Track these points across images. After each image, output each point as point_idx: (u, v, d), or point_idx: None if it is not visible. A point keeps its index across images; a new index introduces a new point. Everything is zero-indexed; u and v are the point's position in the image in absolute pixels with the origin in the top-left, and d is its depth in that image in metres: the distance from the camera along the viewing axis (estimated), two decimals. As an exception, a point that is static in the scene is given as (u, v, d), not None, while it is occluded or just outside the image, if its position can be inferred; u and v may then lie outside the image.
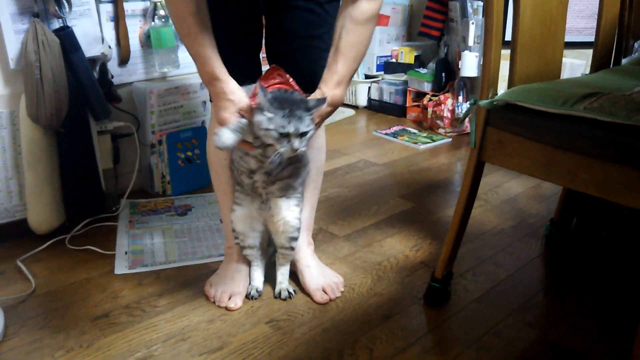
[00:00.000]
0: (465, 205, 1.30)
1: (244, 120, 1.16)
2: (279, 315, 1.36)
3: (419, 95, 3.13)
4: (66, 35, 1.65)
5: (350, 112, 3.32)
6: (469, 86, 2.88)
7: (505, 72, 1.25)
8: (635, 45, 1.59)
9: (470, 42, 2.79)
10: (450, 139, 2.81)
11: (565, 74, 2.60)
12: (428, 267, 1.58)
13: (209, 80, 1.17)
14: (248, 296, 1.43)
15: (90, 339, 1.27)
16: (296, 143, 1.12)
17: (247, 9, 1.28)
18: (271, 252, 1.47)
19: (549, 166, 1.13)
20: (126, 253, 1.64)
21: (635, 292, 1.47)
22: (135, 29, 1.95)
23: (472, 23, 2.77)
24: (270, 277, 1.48)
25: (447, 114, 2.86)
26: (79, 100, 1.70)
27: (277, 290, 1.44)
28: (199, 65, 1.18)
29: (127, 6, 1.90)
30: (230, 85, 1.16)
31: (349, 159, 2.52)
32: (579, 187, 1.09)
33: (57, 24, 1.69)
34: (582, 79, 1.33)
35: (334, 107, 1.21)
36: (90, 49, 1.78)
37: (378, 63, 3.34)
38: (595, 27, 1.47)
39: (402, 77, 3.23)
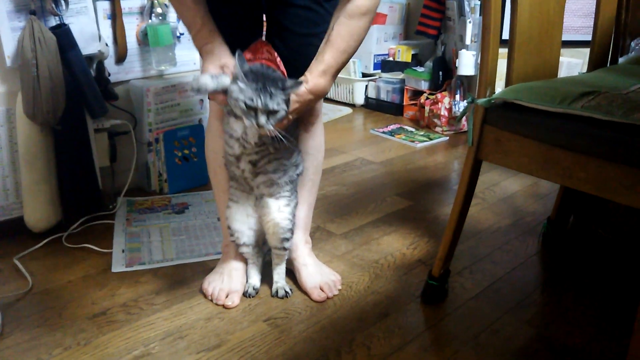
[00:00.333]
0: (462, 203, 1.31)
1: (225, 76, 1.15)
2: (276, 313, 1.36)
3: (416, 93, 3.13)
4: (63, 33, 1.64)
5: (348, 110, 3.32)
6: (466, 85, 2.88)
7: (502, 71, 1.26)
8: (632, 44, 1.59)
9: (468, 41, 2.79)
10: (447, 138, 2.81)
11: (562, 72, 2.60)
12: (425, 265, 1.59)
13: (202, 44, 1.20)
14: (245, 294, 1.43)
15: (88, 337, 1.27)
16: (262, 119, 1.10)
17: (249, 7, 1.28)
18: (266, 250, 1.47)
19: (546, 164, 1.13)
20: (123, 251, 1.64)
21: (631, 290, 1.48)
22: (132, 27, 1.95)
23: (470, 22, 2.77)
24: (267, 275, 1.48)
25: (444, 112, 2.86)
26: (76, 98, 1.70)
27: (274, 289, 1.44)
28: (193, 32, 1.20)
29: (124, 4, 1.90)
30: (221, 46, 1.18)
31: (346, 157, 2.52)
32: (576, 186, 1.09)
33: (54, 22, 1.69)
34: (579, 78, 1.34)
35: (316, 96, 1.19)
36: (87, 47, 1.77)
37: (375, 61, 3.35)
38: (592, 26, 1.47)
39: (400, 75, 3.23)
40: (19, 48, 1.58)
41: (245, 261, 1.46)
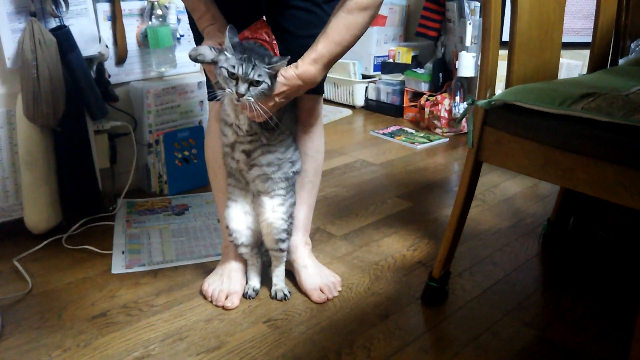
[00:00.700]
0: (462, 205, 1.31)
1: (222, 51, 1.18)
2: (276, 315, 1.36)
3: (416, 95, 3.13)
4: (63, 35, 1.64)
5: (348, 112, 3.32)
6: (466, 86, 2.89)
7: (502, 72, 1.26)
8: (632, 45, 1.59)
9: (468, 43, 2.79)
10: (448, 139, 2.81)
11: (562, 74, 2.60)
12: (425, 267, 1.59)
13: (205, 26, 1.23)
14: (245, 296, 1.43)
15: (88, 339, 1.27)
16: (241, 87, 1.12)
17: (249, 8, 1.28)
18: (264, 250, 1.47)
19: (547, 166, 1.13)
20: (123, 252, 1.64)
21: (631, 291, 1.47)
22: (132, 29, 1.95)
23: (470, 23, 2.77)
24: (267, 277, 1.48)
25: (444, 114, 2.86)
26: (76, 100, 1.70)
27: (272, 291, 1.44)
28: (197, 16, 1.24)
29: (124, 5, 1.90)
30: (222, 28, 1.20)
31: (346, 158, 2.52)
32: (576, 187, 1.09)
33: (54, 23, 1.69)
34: (580, 79, 1.34)
35: (305, 83, 1.18)
36: (87, 48, 1.77)
37: (375, 63, 3.34)
38: (592, 27, 1.47)
39: (400, 77, 3.23)
40: (19, 50, 1.58)
41: (245, 262, 1.46)
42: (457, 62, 2.84)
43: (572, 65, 2.65)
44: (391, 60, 3.32)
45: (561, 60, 1.44)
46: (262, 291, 1.46)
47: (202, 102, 2.11)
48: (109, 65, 1.91)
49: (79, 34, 1.73)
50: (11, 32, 1.61)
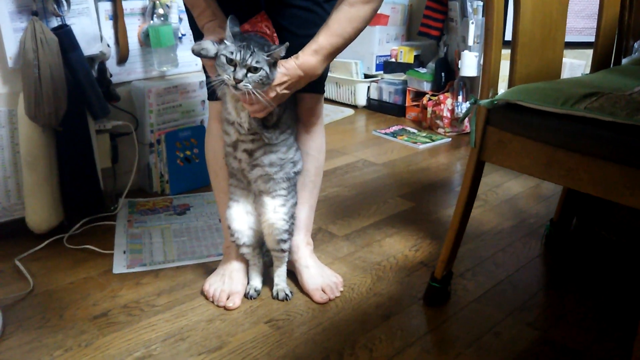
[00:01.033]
0: (465, 205, 1.30)
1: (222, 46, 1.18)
2: (278, 315, 1.36)
3: (419, 94, 3.13)
4: (65, 34, 1.64)
5: (350, 111, 3.32)
6: (469, 86, 2.88)
7: (505, 72, 1.25)
8: (635, 45, 1.58)
9: (470, 42, 2.79)
10: (450, 139, 2.81)
11: (565, 73, 2.60)
12: (428, 267, 1.58)
13: (205, 22, 1.23)
14: (247, 296, 1.42)
15: (89, 339, 1.27)
16: (239, 73, 1.12)
17: (248, 7, 1.28)
18: (265, 250, 1.46)
19: (549, 166, 1.13)
20: (124, 252, 1.64)
21: (634, 292, 1.47)
22: (134, 28, 1.95)
23: (472, 23, 2.77)
24: (269, 277, 1.47)
25: (446, 113, 2.85)
26: (78, 99, 1.70)
27: (274, 291, 1.43)
28: (197, 12, 1.23)
29: (125, 5, 1.90)
30: (223, 24, 1.20)
31: (348, 158, 2.52)
32: (579, 187, 1.09)
33: (55, 23, 1.69)
34: (583, 79, 1.33)
35: (306, 74, 1.18)
36: (88, 48, 1.77)
37: (377, 62, 3.34)
38: (595, 27, 1.47)
39: (402, 76, 3.23)
40: (20, 49, 1.58)
41: (246, 262, 1.46)
42: (459, 61, 2.83)
43: (575, 65, 2.64)
44: (393, 59, 3.31)
45: (564, 59, 1.43)
46: (263, 291, 1.45)
47: (203, 101, 2.11)
48: (111, 65, 1.91)
49: (81, 33, 1.73)
50: (13, 32, 1.61)
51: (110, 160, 1.95)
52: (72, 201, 1.77)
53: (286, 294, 1.42)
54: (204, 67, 1.31)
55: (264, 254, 1.46)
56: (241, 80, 1.12)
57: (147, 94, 1.96)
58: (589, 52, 1.53)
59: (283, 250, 1.39)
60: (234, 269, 1.45)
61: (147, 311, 1.37)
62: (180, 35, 2.04)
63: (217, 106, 1.35)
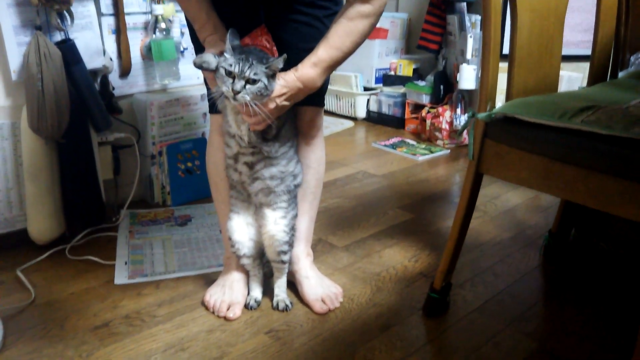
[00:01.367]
0: (464, 216, 1.31)
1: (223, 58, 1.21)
2: (278, 326, 1.37)
3: (418, 107, 3.15)
4: (68, 48, 1.66)
5: (349, 123, 3.34)
6: (467, 98, 2.90)
7: (503, 85, 1.27)
8: (632, 58, 1.60)
9: (469, 55, 2.81)
10: (449, 151, 2.82)
11: (563, 87, 2.62)
12: (427, 278, 1.59)
13: (206, 36, 1.25)
14: (247, 306, 1.43)
15: (90, 349, 1.27)
16: (237, 85, 1.14)
17: (249, 21, 1.30)
18: (265, 261, 1.47)
19: (547, 178, 1.14)
20: (126, 263, 1.65)
21: (633, 303, 1.47)
22: (136, 42, 1.97)
23: (470, 36, 2.79)
24: (269, 287, 1.48)
25: (445, 126, 2.87)
26: (80, 112, 1.71)
27: (274, 302, 1.44)
28: (197, 26, 1.25)
29: (128, 19, 1.92)
30: (224, 38, 1.22)
31: (348, 170, 2.53)
32: (577, 199, 1.10)
33: (59, 37, 1.71)
34: (580, 92, 1.35)
35: (305, 86, 1.20)
36: (91, 61, 1.79)
37: (377, 75, 3.37)
38: (592, 40, 1.49)
39: (401, 89, 3.25)
40: (24, 62, 1.60)
41: (246, 273, 1.46)
42: (458, 74, 2.85)
43: (573, 78, 2.66)
44: (393, 72, 3.34)
45: (562, 72, 1.45)
46: (263, 302, 1.46)
47: (205, 114, 2.12)
48: (113, 78, 1.93)
49: (84, 47, 1.75)
50: (17, 46, 1.63)
51: (112, 171, 1.96)
52: (74, 212, 1.78)
53: (286, 305, 1.43)
54: (205, 80, 1.33)
55: (265, 265, 1.47)
56: (239, 92, 1.14)
57: (149, 107, 1.97)
58: (587, 65, 1.54)
59: (283, 262, 1.40)
60: (235, 279, 1.45)
61: (148, 322, 1.38)
62: (182, 49, 2.06)
63: (218, 119, 1.36)
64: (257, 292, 1.45)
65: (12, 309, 1.42)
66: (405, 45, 3.46)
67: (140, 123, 2.02)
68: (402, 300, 1.48)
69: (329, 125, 3.23)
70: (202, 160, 2.10)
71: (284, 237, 1.36)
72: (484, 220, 1.99)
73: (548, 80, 1.37)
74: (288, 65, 1.19)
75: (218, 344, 1.29)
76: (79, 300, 1.47)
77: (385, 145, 2.89)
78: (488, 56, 1.22)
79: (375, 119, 3.37)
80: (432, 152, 2.78)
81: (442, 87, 3.01)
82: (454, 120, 2.86)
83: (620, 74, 1.57)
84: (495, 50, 1.22)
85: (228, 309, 1.40)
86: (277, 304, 1.43)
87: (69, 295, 1.49)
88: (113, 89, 1.91)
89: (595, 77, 1.52)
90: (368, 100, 3.39)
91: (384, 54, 3.36)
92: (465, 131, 2.78)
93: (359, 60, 3.34)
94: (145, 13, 1.96)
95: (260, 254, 1.44)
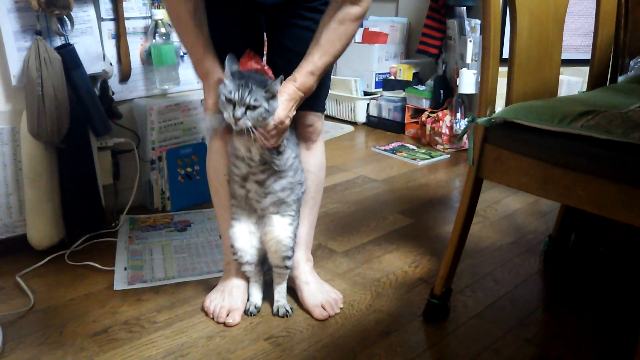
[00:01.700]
0: (464, 221, 1.31)
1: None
2: (278, 332, 1.36)
3: (418, 112, 3.15)
4: (68, 53, 1.66)
5: (349, 128, 3.34)
6: (467, 103, 2.90)
7: (502, 90, 1.27)
8: (631, 63, 1.60)
9: (468, 60, 2.81)
10: (449, 155, 2.82)
11: (562, 91, 2.62)
12: (427, 284, 1.59)
13: (204, 74, 1.26)
14: (247, 312, 1.43)
15: (89, 355, 1.27)
16: (238, 112, 1.15)
17: (250, 26, 1.30)
18: (266, 268, 1.47)
19: (547, 183, 1.14)
20: (125, 269, 1.64)
21: (633, 308, 1.47)
22: (136, 47, 1.97)
23: (470, 41, 2.80)
24: (269, 293, 1.48)
25: (445, 130, 2.87)
26: (80, 117, 1.71)
27: (274, 308, 1.44)
28: (195, 61, 1.26)
29: (128, 24, 1.92)
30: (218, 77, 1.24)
31: (347, 175, 2.53)
32: (576, 204, 1.10)
33: (59, 42, 1.71)
34: (579, 97, 1.35)
35: (305, 93, 1.24)
36: (91, 66, 1.79)
37: (377, 80, 3.37)
38: (591, 44, 1.49)
39: (401, 94, 3.25)
40: (24, 67, 1.60)
41: (246, 279, 1.46)
42: (457, 79, 2.85)
43: (573, 82, 2.66)
44: (392, 77, 3.34)
45: (561, 77, 1.45)
46: (263, 308, 1.46)
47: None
48: (113, 83, 1.93)
49: (84, 52, 1.75)
50: (17, 51, 1.63)
51: (111, 177, 1.96)
52: (74, 218, 1.77)
53: (287, 310, 1.42)
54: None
55: (265, 273, 1.47)
56: (240, 119, 1.15)
57: (149, 112, 1.97)
58: (586, 70, 1.54)
59: (287, 267, 1.40)
60: (234, 285, 1.45)
61: (148, 328, 1.37)
62: (181, 53, 2.06)
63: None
64: (256, 298, 1.45)
65: (11, 314, 1.42)
66: (405, 50, 3.46)
67: (140, 128, 2.02)
68: (402, 306, 1.48)
69: (329, 130, 3.23)
70: (202, 166, 2.10)
71: (290, 243, 1.37)
72: (484, 225, 1.99)
73: (548, 85, 1.37)
74: (288, 69, 1.20)
75: (218, 350, 1.29)
76: (78, 306, 1.46)
77: (385, 150, 2.89)
78: (488, 60, 1.22)
79: (375, 124, 3.37)
80: (432, 157, 2.78)
81: (442, 91, 3.01)
82: (454, 124, 2.86)
83: (620, 79, 1.57)
84: (495, 55, 1.22)
85: (227, 315, 1.39)
86: (278, 310, 1.43)
87: (68, 301, 1.49)
88: (113, 93, 1.91)
89: (594, 82, 1.52)
90: (368, 104, 3.39)
91: (383, 59, 3.36)
92: (465, 136, 2.77)
93: (359, 65, 3.34)
94: (145, 18, 1.97)
95: (261, 261, 1.44)
